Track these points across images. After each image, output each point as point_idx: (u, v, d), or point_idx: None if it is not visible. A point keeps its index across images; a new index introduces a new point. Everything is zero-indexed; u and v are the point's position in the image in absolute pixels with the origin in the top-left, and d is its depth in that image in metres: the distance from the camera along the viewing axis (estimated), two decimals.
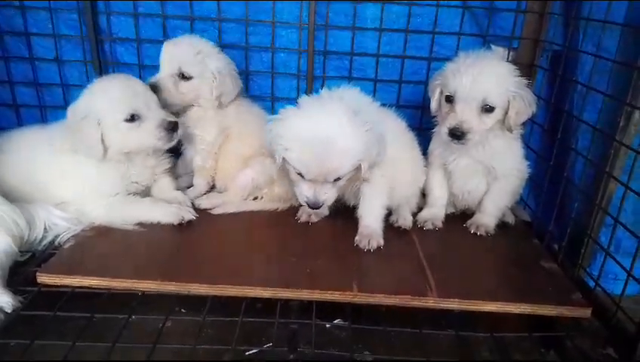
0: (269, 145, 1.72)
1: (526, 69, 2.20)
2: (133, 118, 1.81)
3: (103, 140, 1.80)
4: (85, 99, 1.83)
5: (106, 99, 1.80)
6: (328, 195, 1.67)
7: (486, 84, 1.74)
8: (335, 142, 1.56)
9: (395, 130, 1.89)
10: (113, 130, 1.81)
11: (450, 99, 1.80)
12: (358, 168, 1.66)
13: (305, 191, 1.66)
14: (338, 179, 1.64)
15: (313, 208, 1.70)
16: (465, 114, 1.76)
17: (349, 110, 1.60)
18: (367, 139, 1.61)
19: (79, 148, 1.81)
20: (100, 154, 1.81)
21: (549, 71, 2.17)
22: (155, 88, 1.92)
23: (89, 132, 1.78)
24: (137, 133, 1.83)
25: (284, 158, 1.65)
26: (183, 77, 1.97)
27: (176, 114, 2.02)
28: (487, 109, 1.77)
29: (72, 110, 1.83)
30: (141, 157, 1.93)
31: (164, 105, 1.94)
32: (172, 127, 1.87)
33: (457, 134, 1.76)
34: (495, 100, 1.76)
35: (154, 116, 1.84)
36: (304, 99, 1.71)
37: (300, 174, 1.64)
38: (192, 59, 1.96)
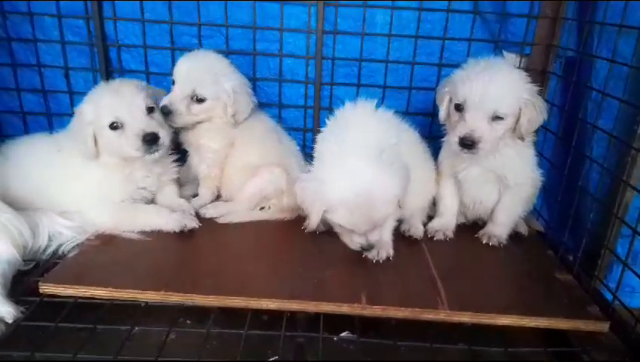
0: (302, 204, 1.71)
1: (539, 75, 2.16)
2: (115, 126, 1.80)
3: (96, 143, 1.83)
4: (85, 102, 1.86)
5: (96, 104, 1.83)
6: (377, 235, 1.68)
7: (497, 92, 1.70)
8: (377, 197, 1.55)
9: (408, 141, 1.86)
10: (100, 135, 1.82)
11: (459, 108, 1.76)
12: None
13: (357, 240, 1.67)
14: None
15: (367, 250, 1.70)
16: (475, 123, 1.72)
17: (376, 154, 1.59)
18: (399, 176, 1.61)
19: (79, 148, 1.84)
20: (92, 156, 1.84)
21: (563, 77, 2.13)
22: (167, 112, 1.90)
23: (84, 134, 1.81)
24: (119, 141, 1.81)
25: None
26: (197, 99, 1.94)
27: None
28: (498, 117, 1.72)
29: (75, 112, 1.88)
30: (141, 163, 1.90)
31: (175, 125, 1.95)
32: (150, 139, 1.81)
33: (468, 144, 1.72)
34: (506, 108, 1.72)
35: (134, 125, 1.80)
36: (326, 152, 1.68)
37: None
38: (207, 81, 1.93)
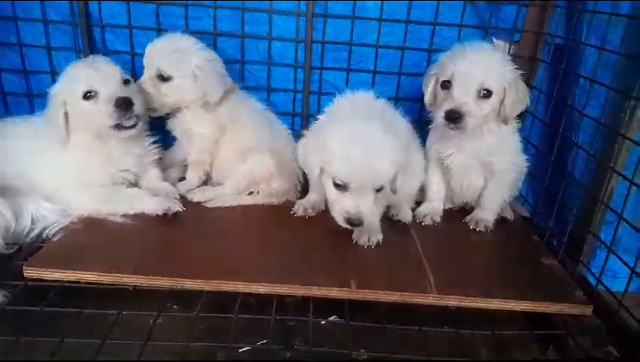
0: (303, 162, 1.75)
1: (528, 62, 2.17)
2: (89, 95, 1.76)
3: (67, 121, 1.79)
4: (57, 82, 1.83)
5: (68, 79, 1.80)
6: (369, 208, 1.61)
7: (484, 68, 1.72)
8: (380, 145, 1.56)
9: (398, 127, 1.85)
10: (73, 109, 1.79)
11: (446, 85, 1.77)
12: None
13: (346, 205, 1.60)
14: (380, 189, 1.61)
15: (355, 225, 1.63)
16: (463, 96, 1.73)
17: (381, 115, 1.68)
18: (400, 144, 1.61)
19: (55, 133, 1.80)
20: (63, 136, 1.79)
21: (552, 65, 2.14)
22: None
23: (55, 113, 1.77)
24: (92, 110, 1.77)
25: (322, 172, 1.64)
26: (163, 78, 1.92)
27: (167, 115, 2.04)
28: (485, 95, 1.74)
29: (49, 96, 1.83)
30: (117, 141, 1.86)
31: (151, 109, 1.95)
32: (122, 103, 1.76)
33: (455, 117, 1.72)
34: (493, 85, 1.73)
35: (108, 91, 1.77)
36: (331, 110, 1.79)
37: (341, 186, 1.59)
38: (169, 58, 1.90)
